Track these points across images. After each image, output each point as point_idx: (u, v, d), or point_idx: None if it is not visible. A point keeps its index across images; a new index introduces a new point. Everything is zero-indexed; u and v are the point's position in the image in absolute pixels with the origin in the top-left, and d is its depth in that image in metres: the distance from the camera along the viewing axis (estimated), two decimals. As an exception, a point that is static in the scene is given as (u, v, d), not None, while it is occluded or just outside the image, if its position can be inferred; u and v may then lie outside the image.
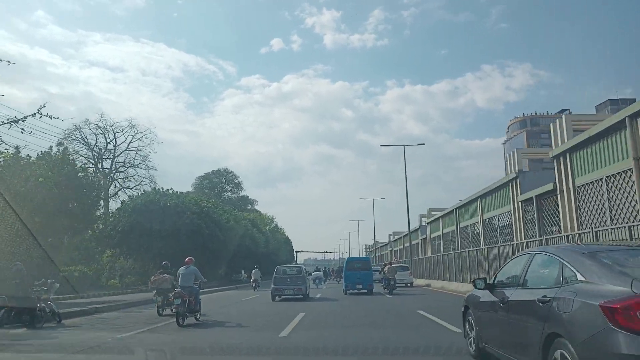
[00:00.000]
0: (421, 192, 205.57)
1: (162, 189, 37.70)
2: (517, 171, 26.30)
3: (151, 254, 31.72)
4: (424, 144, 46.78)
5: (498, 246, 22.08)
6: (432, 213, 47.07)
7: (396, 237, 75.19)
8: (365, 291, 23.88)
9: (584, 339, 3.70)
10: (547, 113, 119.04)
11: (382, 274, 26.26)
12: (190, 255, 14.56)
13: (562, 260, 4.61)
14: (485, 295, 6.11)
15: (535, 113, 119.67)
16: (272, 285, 20.46)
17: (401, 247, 67.92)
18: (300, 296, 19.99)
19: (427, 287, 30.68)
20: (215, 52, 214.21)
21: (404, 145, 36.40)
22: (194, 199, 37.56)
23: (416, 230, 54.03)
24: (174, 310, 11.60)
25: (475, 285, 6.25)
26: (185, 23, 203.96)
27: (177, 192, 37.40)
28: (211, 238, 34.86)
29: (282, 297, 19.96)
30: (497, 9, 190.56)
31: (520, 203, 25.43)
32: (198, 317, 12.30)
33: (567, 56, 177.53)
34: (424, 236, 50.79)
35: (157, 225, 31.30)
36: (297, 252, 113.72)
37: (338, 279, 41.86)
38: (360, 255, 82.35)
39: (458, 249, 32.02)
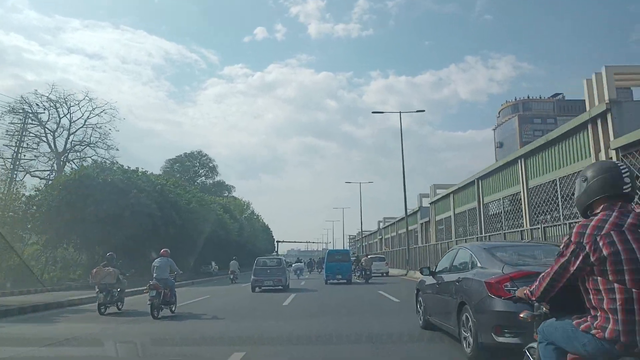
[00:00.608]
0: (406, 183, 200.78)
1: (121, 166, 31.13)
2: (608, 101, 16.06)
3: (92, 242, 25.52)
4: (423, 110, 35.44)
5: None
6: (438, 191, 39.22)
7: (387, 224, 68.02)
8: (345, 281, 25.67)
9: (476, 303, 5.88)
10: (540, 97, 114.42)
11: (359, 264, 28.56)
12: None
13: (471, 253, 6.89)
14: (429, 280, 8.35)
15: (528, 97, 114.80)
16: (252, 277, 20.59)
17: (394, 234, 60.79)
18: (280, 287, 20.30)
19: (402, 277, 31.99)
20: (197, 40, 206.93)
21: (400, 112, 30.52)
22: (145, 175, 30.91)
23: (414, 213, 45.92)
24: (148, 302, 11.40)
25: (421, 272, 8.74)
26: (166, 10, 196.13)
27: (132, 168, 30.95)
28: (166, 223, 28.54)
29: (262, 288, 20.29)
30: (482, 1, 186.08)
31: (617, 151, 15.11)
32: (173, 309, 12.21)
33: (550, 49, 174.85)
34: (426, 219, 42.52)
35: (93, 206, 24.88)
36: (277, 242, 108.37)
37: (319, 270, 43.34)
38: (344, 247, 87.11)
39: (481, 232, 26.14)
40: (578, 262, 2.43)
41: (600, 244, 2.37)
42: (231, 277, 29.53)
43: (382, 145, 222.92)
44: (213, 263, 50.23)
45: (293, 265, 37.58)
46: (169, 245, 30.19)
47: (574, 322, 2.52)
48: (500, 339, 5.42)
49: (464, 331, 6.20)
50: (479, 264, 6.42)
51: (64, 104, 42.54)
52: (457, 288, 6.59)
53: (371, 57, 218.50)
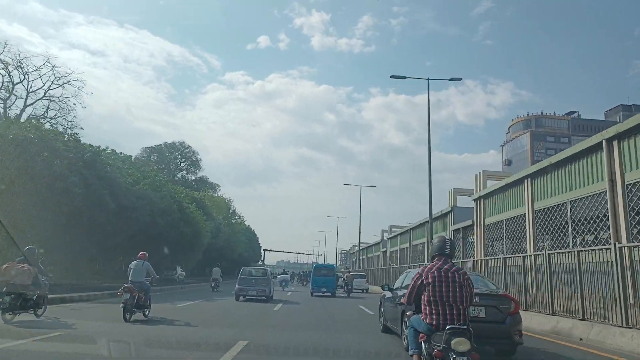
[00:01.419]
0: (397, 202, 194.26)
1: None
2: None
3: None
4: (460, 79, 26.55)
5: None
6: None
7: (395, 233, 51.78)
8: (330, 294, 27.27)
9: (404, 310, 7.61)
10: (554, 114, 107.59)
11: (343, 280, 31.15)
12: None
13: (410, 273, 9.76)
14: (388, 294, 10.49)
15: (542, 113, 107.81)
16: (236, 285, 20.87)
17: (405, 245, 45.25)
18: (264, 297, 20.57)
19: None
20: (201, 44, 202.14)
21: (428, 79, 23.63)
22: (74, 139, 22.89)
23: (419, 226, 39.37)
24: (121, 305, 11.04)
25: (382, 289, 11.08)
26: (172, 11, 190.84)
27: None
28: (92, 205, 20.75)
29: (246, 297, 20.47)
30: (484, 25, 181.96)
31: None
32: (147, 313, 11.97)
33: (549, 78, 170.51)
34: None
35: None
36: (265, 250, 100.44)
37: (304, 283, 44.82)
38: (336, 259, 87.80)
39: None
40: (418, 283, 4.86)
41: (428, 276, 4.77)
42: (212, 284, 28.16)
43: (377, 161, 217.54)
44: (179, 268, 42.71)
45: (278, 276, 37.59)
46: (97, 236, 22.61)
47: (421, 316, 4.81)
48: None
49: (404, 331, 7.90)
50: (403, 281, 10.20)
51: (19, 69, 34.88)
52: (400, 300, 8.51)
53: (372, 74, 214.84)
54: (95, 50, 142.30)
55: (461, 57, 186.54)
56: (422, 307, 4.77)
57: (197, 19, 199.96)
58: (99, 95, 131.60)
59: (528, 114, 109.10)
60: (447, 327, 4.38)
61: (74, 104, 35.84)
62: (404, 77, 24.22)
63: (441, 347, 4.35)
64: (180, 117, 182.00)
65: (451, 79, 24.35)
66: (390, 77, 24.34)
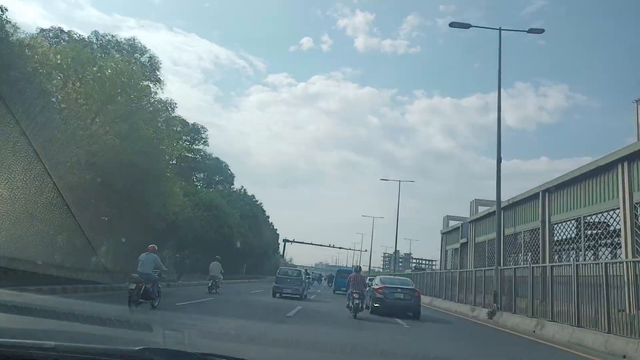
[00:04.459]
0: (441, 209, 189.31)
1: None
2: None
3: None
4: (542, 30, 19.24)
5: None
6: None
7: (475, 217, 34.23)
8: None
9: (372, 295, 17.87)
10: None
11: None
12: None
13: (379, 278, 21.06)
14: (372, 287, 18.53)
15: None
16: (274, 284, 23.61)
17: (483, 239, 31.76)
18: (298, 296, 22.50)
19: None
20: (246, 47, 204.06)
21: (499, 29, 20.66)
22: None
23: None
24: (128, 295, 11.68)
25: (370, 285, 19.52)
26: (218, 15, 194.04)
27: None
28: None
29: (283, 295, 22.38)
30: (537, 24, 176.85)
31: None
32: (155, 304, 12.47)
33: (606, 81, 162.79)
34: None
35: None
36: (285, 241, 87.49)
37: (330, 284, 51.53)
38: (370, 260, 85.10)
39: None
40: (351, 282, 16.05)
41: (352, 279, 16.01)
42: (209, 284, 21.56)
43: (421, 167, 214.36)
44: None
45: (311, 275, 45.85)
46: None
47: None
48: (376, 305, 17.05)
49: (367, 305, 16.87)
50: (375, 282, 19.46)
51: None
52: (370, 290, 18.10)
53: (417, 76, 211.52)
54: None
55: (512, 59, 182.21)
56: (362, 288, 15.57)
57: (241, 22, 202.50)
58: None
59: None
60: (354, 291, 14.70)
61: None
62: (468, 26, 20.99)
63: (358, 296, 14.73)
64: (226, 119, 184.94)
65: (530, 31, 21.21)
66: (450, 25, 21.05)
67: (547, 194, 21.93)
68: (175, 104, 29.58)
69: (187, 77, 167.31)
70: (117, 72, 17.14)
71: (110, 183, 15.96)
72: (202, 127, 41.36)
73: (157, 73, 28.80)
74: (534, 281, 15.66)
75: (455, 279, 24.07)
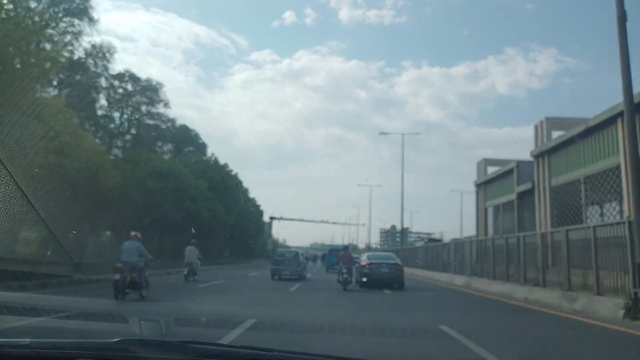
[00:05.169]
0: (435, 181, 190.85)
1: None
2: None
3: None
4: None
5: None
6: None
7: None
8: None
9: (359, 269, 19.16)
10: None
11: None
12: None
13: (366, 254, 21.89)
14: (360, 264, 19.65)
15: None
16: (271, 266, 23.76)
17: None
18: (297, 277, 22.60)
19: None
20: (227, 24, 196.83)
21: None
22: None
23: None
24: (113, 285, 11.33)
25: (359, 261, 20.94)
26: None
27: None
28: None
29: (282, 277, 22.28)
30: None
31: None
32: (143, 293, 12.02)
33: (596, 42, 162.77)
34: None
35: None
36: (272, 218, 74.89)
37: (323, 263, 53.34)
38: (369, 236, 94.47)
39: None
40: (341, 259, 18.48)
41: (342, 257, 18.53)
42: (186, 272, 18.97)
43: (412, 141, 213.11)
44: None
45: (307, 255, 46.17)
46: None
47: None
48: (363, 279, 18.31)
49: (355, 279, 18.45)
50: (363, 258, 20.26)
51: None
52: (358, 266, 19.29)
53: (404, 46, 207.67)
54: (124, 36, 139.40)
55: (500, 24, 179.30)
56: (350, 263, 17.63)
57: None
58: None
59: None
60: (343, 267, 17.00)
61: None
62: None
63: (347, 271, 16.93)
64: (210, 100, 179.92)
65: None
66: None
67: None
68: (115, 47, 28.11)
69: (168, 59, 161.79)
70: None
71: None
72: (159, 84, 34.46)
73: (90, 11, 26.24)
74: None
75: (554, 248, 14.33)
